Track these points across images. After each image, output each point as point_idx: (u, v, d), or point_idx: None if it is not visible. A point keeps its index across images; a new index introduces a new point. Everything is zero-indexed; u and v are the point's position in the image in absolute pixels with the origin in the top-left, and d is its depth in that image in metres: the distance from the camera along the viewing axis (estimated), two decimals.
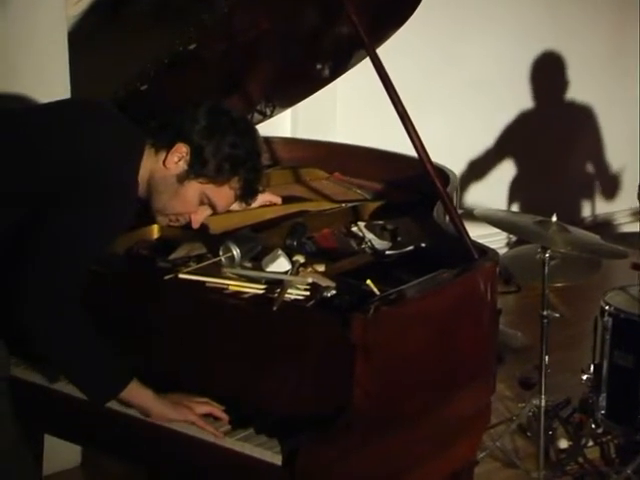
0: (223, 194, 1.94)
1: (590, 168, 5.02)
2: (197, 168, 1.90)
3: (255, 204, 2.16)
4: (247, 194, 1.97)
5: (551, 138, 4.85)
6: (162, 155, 1.92)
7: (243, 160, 1.92)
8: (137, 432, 1.85)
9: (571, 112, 4.88)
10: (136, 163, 1.90)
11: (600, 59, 4.89)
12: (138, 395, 1.80)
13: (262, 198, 2.28)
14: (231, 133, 1.92)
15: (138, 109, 1.99)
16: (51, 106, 2.04)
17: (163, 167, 1.91)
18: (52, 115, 1.96)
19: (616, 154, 5.01)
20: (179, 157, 1.91)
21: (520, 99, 4.66)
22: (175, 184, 1.92)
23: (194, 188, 1.92)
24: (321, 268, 1.94)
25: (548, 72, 4.73)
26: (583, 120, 4.92)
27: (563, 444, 2.84)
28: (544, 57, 4.67)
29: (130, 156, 1.89)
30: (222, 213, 2.07)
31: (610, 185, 5.02)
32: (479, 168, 4.56)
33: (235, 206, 2.07)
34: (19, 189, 1.85)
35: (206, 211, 1.98)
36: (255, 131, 2.00)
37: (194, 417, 1.79)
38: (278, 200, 2.36)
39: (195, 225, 1.99)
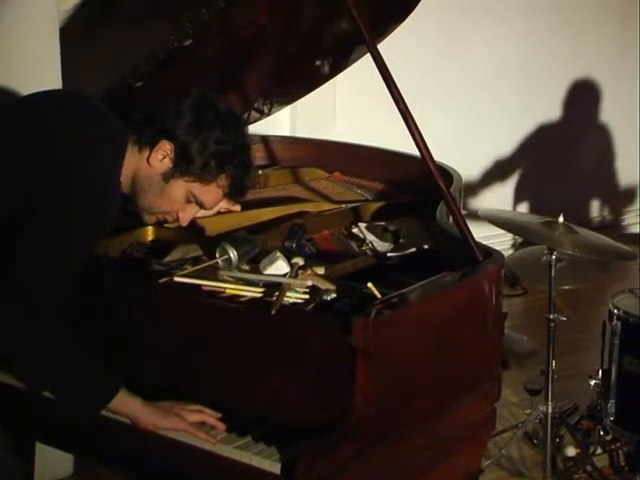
0: (210, 192, 1.90)
1: (599, 168, 5.00)
2: (182, 166, 1.86)
3: (212, 211, 2.08)
4: (236, 191, 1.93)
5: (558, 137, 4.83)
6: (146, 152, 1.87)
7: (230, 156, 1.87)
8: (131, 440, 1.83)
9: (578, 112, 4.85)
10: (119, 161, 1.85)
11: (608, 57, 4.86)
12: (126, 404, 1.77)
13: (221, 205, 2.12)
14: (217, 128, 1.86)
15: (132, 106, 1.95)
16: (31, 99, 1.99)
17: (147, 165, 1.87)
18: (31, 110, 1.91)
19: (624, 154, 4.98)
20: (163, 155, 1.86)
21: (526, 97, 4.64)
22: (160, 183, 1.88)
23: (180, 186, 1.88)
24: (321, 270, 1.92)
25: (556, 73, 4.71)
26: (591, 120, 4.90)
27: (571, 452, 2.82)
28: (552, 58, 4.65)
29: (113, 154, 1.84)
30: (217, 214, 2.03)
31: (619, 187, 4.99)
32: (488, 169, 4.54)
33: (223, 204, 2.00)
34: None
35: (194, 209, 1.94)
36: (243, 124, 1.95)
37: (185, 425, 1.76)
38: (237, 208, 2.26)
39: (183, 223, 1.95)
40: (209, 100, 1.90)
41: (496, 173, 4.62)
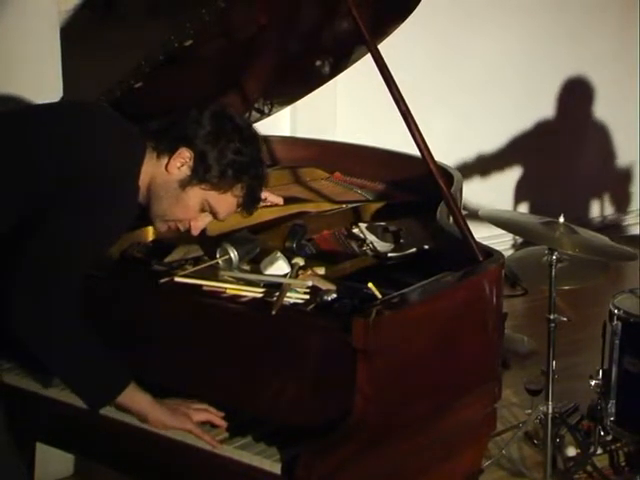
0: (225, 201, 1.92)
1: (599, 168, 4.99)
2: (200, 174, 1.88)
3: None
4: (249, 202, 1.95)
5: (558, 137, 4.82)
6: (164, 159, 1.90)
7: (247, 167, 1.91)
8: (132, 441, 1.83)
9: (578, 112, 4.85)
10: (137, 167, 1.87)
11: (607, 57, 4.85)
12: (135, 400, 1.77)
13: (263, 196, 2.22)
14: (236, 140, 1.90)
15: (132, 107, 1.96)
16: (51, 107, 2.02)
17: (165, 172, 1.89)
18: (52, 117, 1.93)
19: (625, 155, 4.98)
20: (182, 162, 1.89)
21: (526, 98, 4.63)
22: (177, 190, 1.90)
23: (196, 194, 1.90)
24: (321, 271, 1.93)
25: (556, 73, 4.71)
26: (591, 120, 4.90)
27: (571, 452, 2.81)
28: (552, 58, 4.65)
29: (131, 160, 1.87)
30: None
31: (619, 187, 4.98)
32: (486, 169, 4.53)
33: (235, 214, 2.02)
34: (17, 192, 1.82)
35: (207, 218, 1.96)
36: (259, 138, 1.99)
37: (191, 425, 1.76)
38: (280, 201, 2.32)
39: (195, 232, 1.97)
40: (228, 113, 1.93)
41: (497, 173, 4.62)
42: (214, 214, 1.94)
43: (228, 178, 1.89)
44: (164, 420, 1.77)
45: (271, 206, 2.31)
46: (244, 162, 1.89)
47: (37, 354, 1.76)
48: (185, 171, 1.88)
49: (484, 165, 4.55)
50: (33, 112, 2.04)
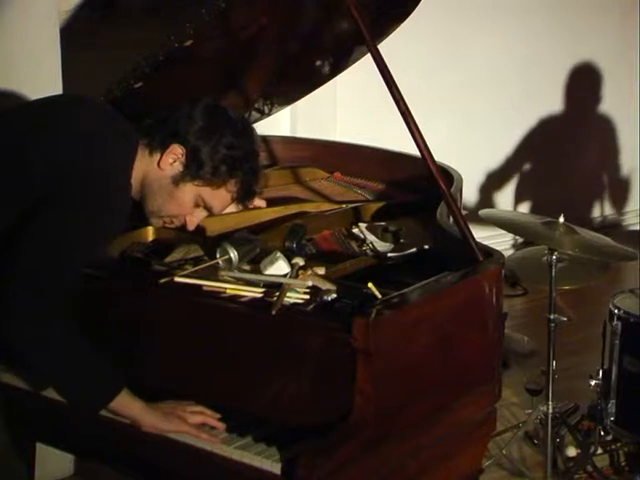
0: (219, 197, 1.92)
1: (599, 168, 4.99)
2: (193, 170, 1.88)
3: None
4: (244, 196, 1.95)
5: (559, 137, 4.82)
6: (157, 156, 1.90)
7: (240, 162, 1.90)
8: (132, 441, 1.83)
9: (579, 111, 4.85)
10: (130, 164, 1.87)
11: (608, 56, 4.85)
12: (127, 406, 1.77)
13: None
14: (228, 134, 1.89)
15: (132, 107, 1.96)
16: (42, 103, 2.01)
17: (158, 168, 1.89)
18: (43, 113, 1.93)
19: (625, 155, 4.98)
20: (174, 158, 1.88)
21: (526, 97, 4.63)
22: (170, 186, 1.90)
23: (189, 190, 1.90)
24: (321, 271, 1.92)
25: (556, 72, 4.71)
26: (591, 119, 4.90)
27: (571, 452, 2.81)
28: (552, 56, 4.64)
29: (123, 156, 1.86)
30: (219, 215, 2.04)
31: (619, 187, 4.99)
32: (488, 169, 4.54)
33: (231, 207, 2.03)
34: (9, 189, 1.82)
35: (202, 213, 1.96)
36: (253, 131, 1.97)
37: (187, 427, 1.76)
38: (263, 204, 2.30)
39: (190, 227, 1.96)
40: (220, 106, 1.92)
41: (497, 173, 4.62)
42: (208, 209, 1.94)
43: (221, 174, 1.88)
44: (158, 425, 1.76)
45: (254, 209, 2.28)
46: (237, 157, 1.89)
47: (28, 358, 1.75)
48: (177, 167, 1.89)
49: (485, 165, 4.56)
50: (23, 110, 2.03)
